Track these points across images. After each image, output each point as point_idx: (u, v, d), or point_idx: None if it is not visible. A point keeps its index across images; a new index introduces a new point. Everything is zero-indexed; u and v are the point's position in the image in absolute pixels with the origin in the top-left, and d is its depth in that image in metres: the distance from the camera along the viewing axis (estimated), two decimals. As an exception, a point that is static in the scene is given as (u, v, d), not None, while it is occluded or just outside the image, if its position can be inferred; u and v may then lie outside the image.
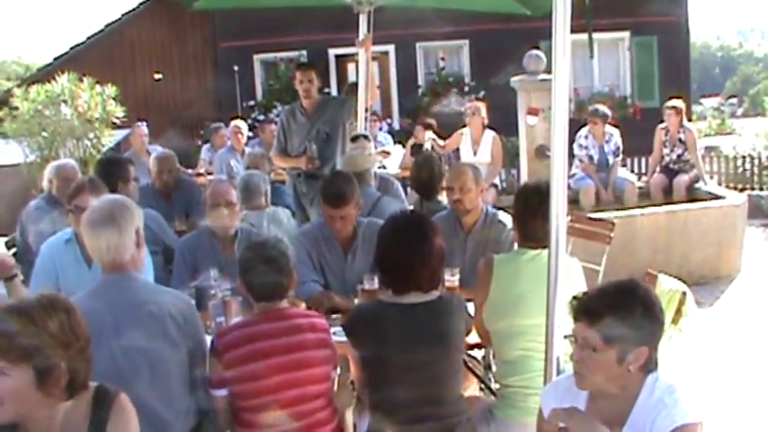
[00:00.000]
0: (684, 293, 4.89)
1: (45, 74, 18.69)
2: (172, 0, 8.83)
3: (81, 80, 10.38)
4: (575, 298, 2.87)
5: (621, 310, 2.73)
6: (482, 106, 10.47)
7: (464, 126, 10.50)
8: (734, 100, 59.02)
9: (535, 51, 10.78)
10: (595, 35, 14.32)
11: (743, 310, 8.21)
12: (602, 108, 10.34)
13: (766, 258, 10.25)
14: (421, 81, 17.83)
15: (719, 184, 13.08)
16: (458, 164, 5.63)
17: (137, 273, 3.58)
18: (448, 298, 3.78)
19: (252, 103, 17.61)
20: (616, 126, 10.60)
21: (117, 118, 10.61)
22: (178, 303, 3.53)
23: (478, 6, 9.06)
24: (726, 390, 6.29)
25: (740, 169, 14.27)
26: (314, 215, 7.71)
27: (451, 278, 4.74)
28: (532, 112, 10.49)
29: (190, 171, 11.27)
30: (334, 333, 4.01)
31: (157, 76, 18.14)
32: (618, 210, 9.44)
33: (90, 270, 4.92)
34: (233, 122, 10.73)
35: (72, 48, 18.54)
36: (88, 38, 18.50)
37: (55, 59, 18.86)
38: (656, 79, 17.90)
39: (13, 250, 6.62)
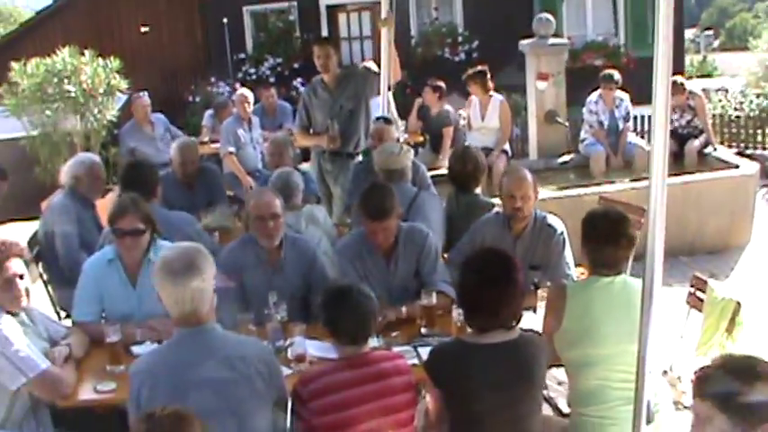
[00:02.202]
0: (739, 303, 4.85)
1: (29, 29, 18.33)
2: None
3: (82, 54, 10.07)
4: (696, 374, 2.78)
5: (749, 391, 2.64)
6: (484, 71, 10.18)
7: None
8: (709, 32, 58.72)
9: (545, 15, 10.65)
10: (589, -18, 13.95)
11: (758, 280, 8.21)
12: (615, 73, 10.21)
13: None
14: (414, 32, 17.52)
15: (722, 144, 12.98)
16: (516, 169, 5.45)
17: (214, 324, 3.49)
18: (530, 336, 3.72)
19: (242, 55, 17.23)
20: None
21: (120, 91, 10.36)
22: (262, 355, 3.47)
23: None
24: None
25: (740, 129, 14.05)
26: (337, 193, 7.65)
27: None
28: (542, 76, 10.39)
29: (194, 139, 11.08)
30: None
31: (144, 29, 17.73)
32: (628, 177, 9.46)
33: (135, 290, 4.86)
34: (239, 91, 10.52)
35: (55, 1, 18.04)
36: (72, -9, 18.02)
37: (37, 13, 18.41)
38: (649, 26, 17.66)
39: (36, 249, 6.48)
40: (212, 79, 16.53)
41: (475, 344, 3.59)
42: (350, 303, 3.54)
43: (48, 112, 9.83)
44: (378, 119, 7.33)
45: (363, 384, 3.48)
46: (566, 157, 10.38)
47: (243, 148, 9.88)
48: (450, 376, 3.57)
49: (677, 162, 10.17)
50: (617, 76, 10.12)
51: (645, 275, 3.42)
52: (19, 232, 8.29)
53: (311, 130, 7.74)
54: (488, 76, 9.98)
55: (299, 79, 16.30)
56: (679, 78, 10.37)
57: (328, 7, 17.41)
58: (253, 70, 16.93)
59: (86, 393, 4.20)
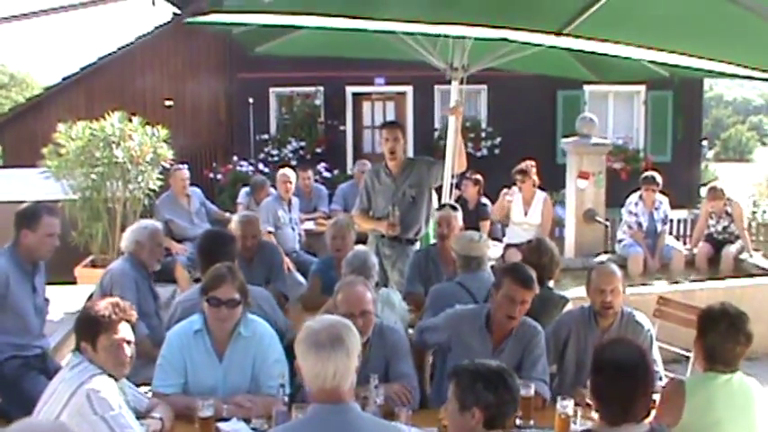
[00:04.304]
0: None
1: (54, 93, 18.44)
2: (211, 31, 8.38)
3: (130, 120, 10.06)
4: None
5: None
6: (532, 166, 10.17)
7: (507, 186, 10.16)
8: (704, 142, 59.57)
9: (588, 114, 10.78)
10: (611, 87, 14.55)
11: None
12: (656, 175, 10.27)
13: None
14: (437, 124, 17.69)
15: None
16: (607, 266, 5.38)
17: (354, 403, 3.38)
18: (659, 428, 3.63)
19: (265, 136, 17.36)
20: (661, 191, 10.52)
21: (165, 161, 10.32)
22: None
23: (554, 71, 8.89)
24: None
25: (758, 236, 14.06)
26: (395, 278, 7.56)
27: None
28: (583, 175, 10.45)
29: (228, 215, 11.00)
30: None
31: (168, 103, 17.85)
32: (666, 278, 9.46)
33: (221, 363, 4.73)
34: (281, 171, 10.50)
35: (82, 69, 18.18)
36: (99, 59, 18.16)
37: (64, 79, 18.51)
38: (669, 134, 17.96)
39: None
40: (234, 158, 16.56)
41: (608, 436, 3.51)
42: (513, 387, 3.47)
43: (93, 176, 9.74)
44: (443, 206, 7.31)
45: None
46: (603, 257, 10.36)
47: (281, 228, 9.87)
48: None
49: (713, 267, 10.20)
50: (658, 178, 10.18)
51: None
52: (55, 297, 8.14)
53: (371, 214, 7.70)
54: (535, 171, 9.97)
55: (323, 164, 16.35)
56: (719, 184, 10.46)
57: (354, 95, 17.59)
58: (275, 152, 17.02)
59: (180, 469, 4.05)
